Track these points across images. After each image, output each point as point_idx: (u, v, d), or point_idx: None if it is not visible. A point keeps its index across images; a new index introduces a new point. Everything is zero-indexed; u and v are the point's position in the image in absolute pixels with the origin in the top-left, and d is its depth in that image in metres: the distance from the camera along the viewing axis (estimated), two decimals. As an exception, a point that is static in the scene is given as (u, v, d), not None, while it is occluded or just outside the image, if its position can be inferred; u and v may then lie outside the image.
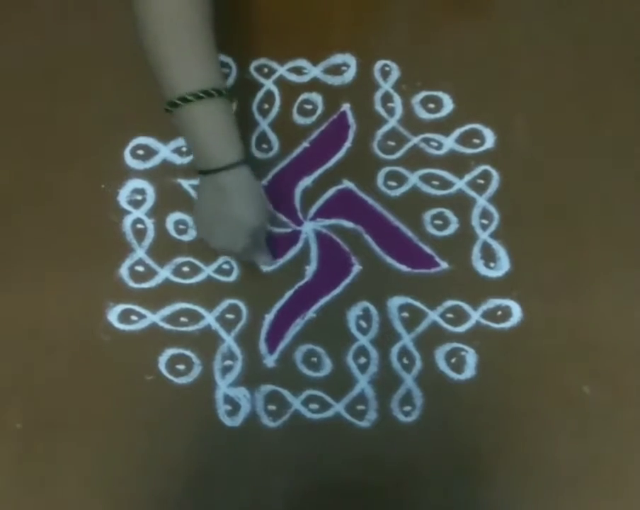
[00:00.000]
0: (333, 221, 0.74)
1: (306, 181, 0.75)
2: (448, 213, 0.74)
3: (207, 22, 0.63)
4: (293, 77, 0.79)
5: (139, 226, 0.74)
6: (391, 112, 0.77)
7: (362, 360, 0.69)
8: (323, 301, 0.71)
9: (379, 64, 0.79)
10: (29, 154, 0.76)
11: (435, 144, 0.76)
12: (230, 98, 0.65)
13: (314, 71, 0.79)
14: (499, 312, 0.70)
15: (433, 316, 0.70)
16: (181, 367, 0.69)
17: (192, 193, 0.74)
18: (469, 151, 0.76)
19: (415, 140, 0.76)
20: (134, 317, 0.71)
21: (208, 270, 0.72)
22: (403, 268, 0.72)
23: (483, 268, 0.72)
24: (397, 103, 0.78)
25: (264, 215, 0.67)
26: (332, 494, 0.66)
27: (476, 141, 0.76)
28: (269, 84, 0.79)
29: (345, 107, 0.78)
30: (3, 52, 0.80)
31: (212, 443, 0.67)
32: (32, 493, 0.66)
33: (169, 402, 0.68)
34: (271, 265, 0.72)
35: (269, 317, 0.71)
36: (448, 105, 0.77)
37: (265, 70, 0.79)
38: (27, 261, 0.73)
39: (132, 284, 0.72)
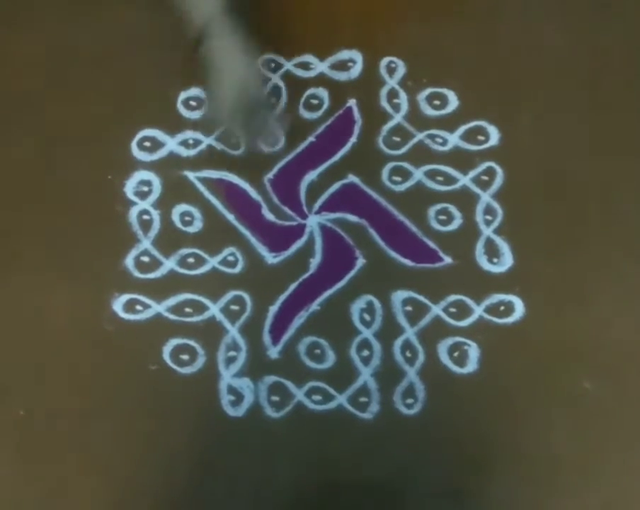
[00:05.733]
0: (337, 215, 0.74)
1: (312, 175, 0.76)
2: (452, 209, 0.74)
3: None
4: (300, 72, 0.80)
5: (145, 217, 0.74)
6: (396, 108, 0.78)
7: (366, 352, 0.70)
8: (327, 294, 0.71)
9: (385, 60, 0.80)
10: (37, 146, 0.77)
11: (439, 140, 0.77)
12: None
13: (321, 67, 0.80)
14: (502, 307, 0.70)
15: (436, 310, 0.71)
16: (185, 357, 0.69)
17: (198, 185, 0.75)
18: (473, 147, 0.76)
19: (420, 136, 0.77)
20: (139, 307, 0.71)
21: (213, 262, 0.73)
22: (407, 262, 0.72)
23: (486, 263, 0.72)
24: (403, 99, 0.78)
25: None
26: (334, 484, 0.66)
27: (481, 138, 0.76)
28: (276, 79, 0.79)
29: (351, 102, 0.78)
30: (12, 48, 0.81)
31: (216, 433, 0.68)
32: (34, 479, 0.66)
33: (173, 392, 0.68)
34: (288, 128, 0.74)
35: (273, 309, 0.71)
36: (453, 102, 0.78)
37: (272, 65, 0.80)
38: (33, 250, 0.73)
39: (137, 274, 0.72)
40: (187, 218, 0.74)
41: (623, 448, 0.67)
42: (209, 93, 0.69)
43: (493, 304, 0.71)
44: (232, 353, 0.70)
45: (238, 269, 0.73)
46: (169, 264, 0.72)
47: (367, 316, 0.71)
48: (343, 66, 0.80)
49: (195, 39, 0.67)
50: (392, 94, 0.78)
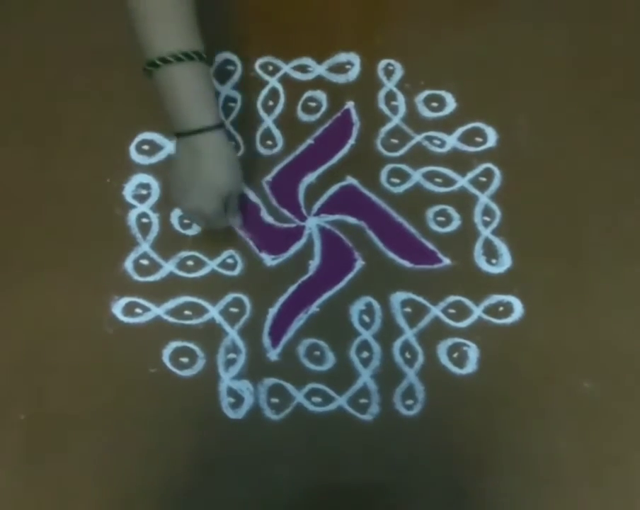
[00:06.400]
0: (336, 217, 0.75)
1: (310, 177, 0.76)
2: (451, 210, 0.74)
3: None
4: (298, 75, 0.80)
5: (144, 220, 0.74)
6: (394, 110, 0.78)
7: (365, 354, 0.70)
8: (327, 296, 0.72)
9: (382, 63, 0.80)
10: (36, 149, 0.77)
11: (437, 142, 0.77)
12: (208, 63, 0.66)
13: (319, 70, 0.80)
14: (501, 308, 0.71)
15: (435, 311, 0.71)
16: (185, 360, 0.69)
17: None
18: (471, 149, 0.76)
19: (418, 138, 0.77)
20: (138, 310, 0.71)
21: (212, 265, 0.73)
22: (406, 263, 0.72)
23: (485, 264, 0.72)
24: (400, 101, 0.78)
25: (238, 179, 0.68)
26: (334, 486, 0.66)
27: (479, 139, 0.77)
28: (274, 82, 0.79)
29: (349, 105, 0.78)
30: (10, 48, 0.81)
31: (216, 435, 0.68)
32: (35, 483, 0.66)
33: (173, 394, 0.68)
34: (241, 227, 0.73)
35: (272, 311, 0.71)
36: (451, 104, 0.78)
37: (270, 68, 0.80)
38: (33, 254, 0.73)
39: (136, 277, 0.72)
40: (186, 221, 0.74)
41: (624, 447, 0.67)
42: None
43: (492, 304, 0.71)
44: (232, 356, 0.70)
45: (237, 272, 0.73)
46: (168, 267, 0.73)
47: (366, 318, 0.71)
48: (340, 68, 0.80)
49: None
50: (390, 96, 0.79)
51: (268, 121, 0.78)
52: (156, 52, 0.62)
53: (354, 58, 0.80)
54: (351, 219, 0.74)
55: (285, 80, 0.80)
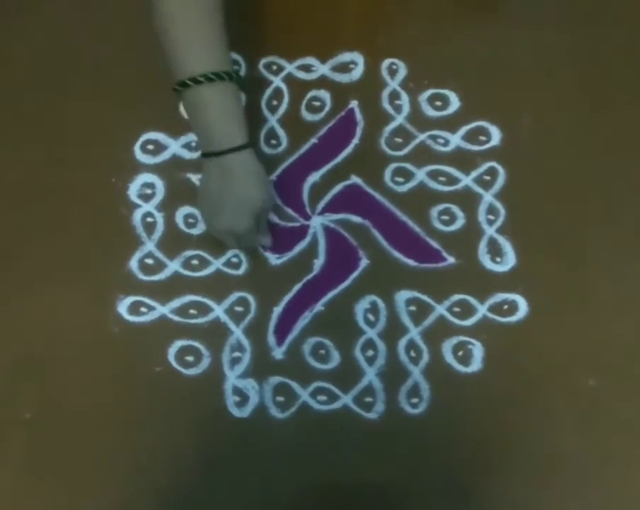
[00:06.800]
0: (340, 216, 0.75)
1: (315, 177, 0.76)
2: (455, 209, 0.74)
3: (219, 6, 0.65)
4: (301, 74, 0.80)
5: (149, 219, 0.74)
6: (398, 109, 0.78)
7: (370, 352, 0.70)
8: (331, 294, 0.72)
9: (386, 62, 0.80)
10: (41, 149, 0.77)
11: (441, 141, 0.77)
12: (240, 84, 0.66)
13: (322, 69, 0.80)
14: (505, 306, 0.71)
15: (440, 309, 0.71)
16: (190, 358, 0.70)
17: (202, 187, 0.75)
18: (475, 148, 0.77)
19: (422, 137, 0.77)
20: (143, 309, 0.71)
21: (217, 264, 0.73)
22: (411, 262, 0.73)
23: (489, 262, 0.72)
24: (404, 100, 0.79)
25: (269, 197, 0.68)
26: (339, 484, 0.66)
27: (483, 138, 0.77)
28: (277, 81, 0.80)
29: (353, 104, 0.79)
30: (15, 49, 0.82)
31: (221, 434, 0.68)
32: (40, 482, 0.66)
33: (178, 393, 0.68)
34: (271, 246, 0.73)
35: (277, 310, 0.71)
36: (455, 102, 0.78)
37: (274, 67, 0.80)
38: (38, 253, 0.73)
39: (141, 276, 0.72)
40: (190, 220, 0.74)
41: (628, 446, 0.67)
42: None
43: (496, 303, 0.71)
44: (237, 354, 0.70)
45: (242, 271, 0.73)
46: (173, 266, 0.73)
47: (371, 317, 0.71)
48: (344, 68, 0.80)
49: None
50: (394, 96, 0.79)
51: (272, 120, 0.78)
52: (188, 73, 0.62)
53: (358, 57, 0.80)
54: (355, 218, 0.74)
55: (289, 79, 0.80)
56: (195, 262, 0.73)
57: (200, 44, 0.63)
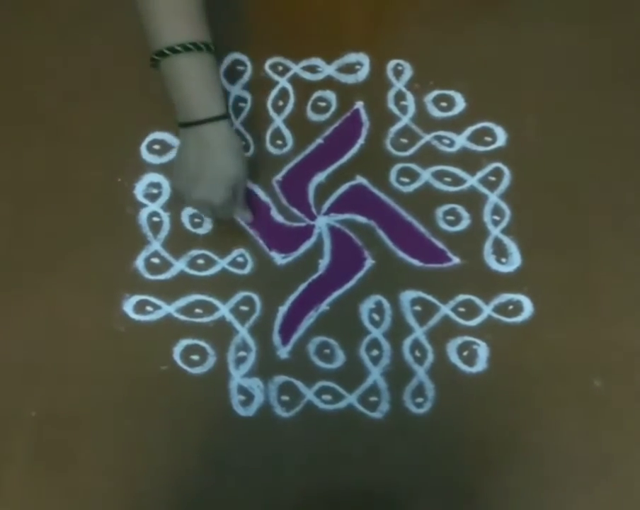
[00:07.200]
0: (346, 216, 0.75)
1: (320, 177, 0.76)
2: (460, 209, 0.74)
3: None
4: (307, 75, 0.80)
5: (155, 219, 0.75)
6: (403, 110, 0.78)
7: (375, 352, 0.70)
8: (336, 294, 0.72)
9: (392, 63, 0.80)
10: (48, 149, 0.78)
11: (447, 141, 0.77)
12: (216, 55, 0.67)
13: (328, 70, 0.80)
14: (510, 307, 0.71)
15: (445, 310, 0.71)
16: (196, 357, 0.70)
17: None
18: (480, 148, 0.77)
19: (427, 138, 0.77)
20: (149, 308, 0.71)
21: (223, 263, 0.73)
22: (416, 262, 0.73)
23: (494, 263, 0.72)
24: (410, 101, 0.79)
25: (245, 168, 0.68)
26: (344, 483, 0.66)
27: (488, 139, 0.77)
28: (283, 82, 0.80)
29: (359, 105, 0.79)
30: (24, 49, 0.82)
31: (226, 433, 0.68)
32: (45, 480, 0.67)
33: (183, 392, 0.69)
34: (249, 221, 0.73)
35: (283, 309, 0.71)
36: (460, 103, 0.78)
37: (280, 68, 0.81)
38: (44, 252, 0.74)
39: (147, 276, 0.73)
40: (196, 220, 0.75)
41: (634, 446, 0.66)
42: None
43: (501, 303, 0.71)
44: (242, 354, 0.70)
45: (247, 270, 0.73)
46: (179, 265, 0.73)
47: (376, 316, 0.71)
48: (350, 69, 0.80)
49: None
50: (399, 96, 0.79)
51: (278, 121, 0.78)
52: (165, 43, 0.63)
53: (363, 58, 0.80)
54: (361, 219, 0.75)
55: (295, 80, 0.80)
56: (200, 261, 0.73)
57: (178, 15, 0.64)
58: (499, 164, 0.76)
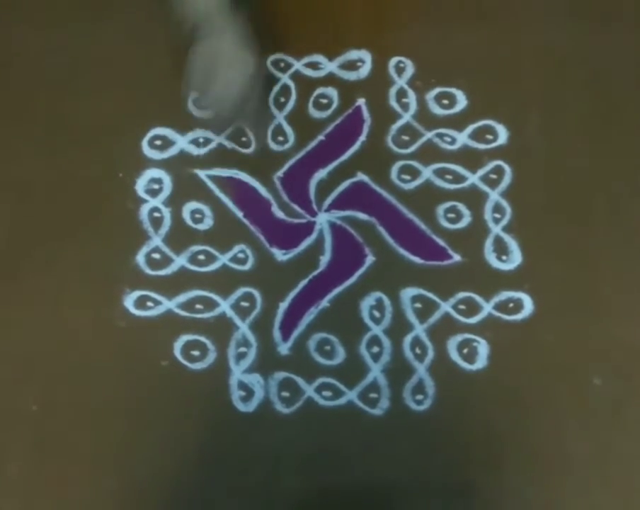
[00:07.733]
0: (347, 212, 0.75)
1: (321, 173, 0.76)
2: (461, 207, 0.75)
3: None
4: (309, 72, 0.80)
5: (156, 214, 0.75)
6: (405, 107, 0.79)
7: (375, 349, 0.70)
8: (337, 291, 0.72)
9: (393, 60, 0.80)
10: (50, 144, 0.78)
11: (448, 139, 0.77)
12: None
13: (330, 67, 0.80)
14: (511, 304, 0.71)
15: (446, 307, 0.71)
16: (196, 353, 0.70)
17: (208, 183, 0.75)
18: (482, 146, 0.77)
19: (428, 135, 0.77)
20: (150, 303, 0.71)
21: (223, 259, 0.73)
22: (416, 259, 0.73)
23: (495, 260, 0.72)
24: (411, 98, 0.79)
25: (258, 63, 0.70)
26: (343, 480, 0.66)
27: (489, 137, 0.77)
28: (285, 78, 0.80)
29: (360, 102, 0.79)
30: (27, 47, 0.82)
31: (226, 428, 0.68)
32: (46, 473, 0.67)
33: (184, 387, 0.69)
34: (263, 142, 0.76)
35: (283, 306, 0.71)
36: (462, 101, 0.78)
37: (282, 64, 0.81)
38: (45, 247, 0.74)
39: (148, 271, 0.73)
40: (197, 215, 0.75)
41: (634, 444, 0.67)
42: (204, 94, 0.69)
43: (502, 301, 0.71)
44: (242, 349, 0.70)
45: (248, 266, 0.73)
46: (180, 261, 0.73)
47: (376, 313, 0.71)
48: (352, 66, 0.80)
49: (188, 37, 0.68)
50: (401, 94, 0.79)
51: (280, 117, 0.79)
52: None
53: (365, 55, 0.81)
54: (362, 215, 0.75)
55: (297, 77, 0.80)
56: (201, 257, 0.73)
57: None
58: (500, 162, 0.76)
